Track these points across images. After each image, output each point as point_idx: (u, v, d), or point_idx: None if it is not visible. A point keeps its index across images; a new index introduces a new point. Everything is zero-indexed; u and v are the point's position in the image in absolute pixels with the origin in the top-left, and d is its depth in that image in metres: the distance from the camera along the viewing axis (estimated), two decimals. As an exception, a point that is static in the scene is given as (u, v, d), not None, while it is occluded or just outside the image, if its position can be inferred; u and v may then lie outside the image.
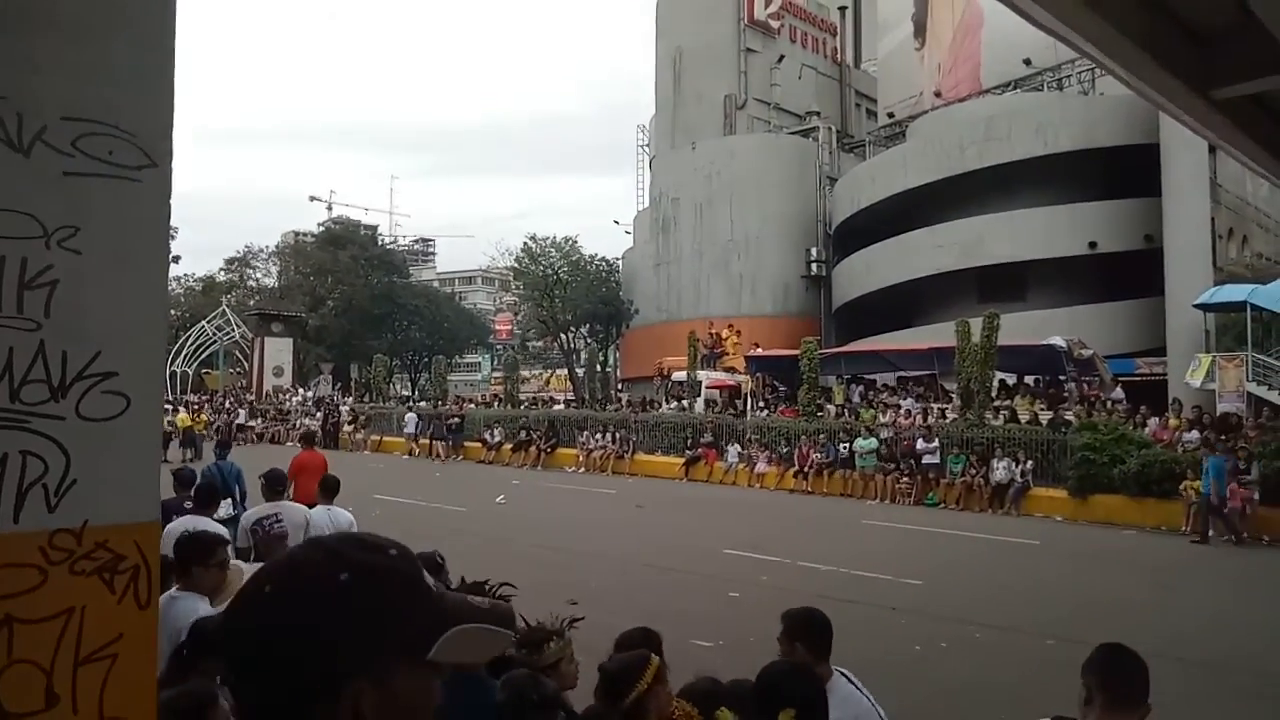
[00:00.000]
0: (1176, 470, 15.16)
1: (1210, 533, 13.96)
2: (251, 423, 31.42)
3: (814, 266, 40.17)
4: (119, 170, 1.78)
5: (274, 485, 6.57)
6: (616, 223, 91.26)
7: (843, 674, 3.16)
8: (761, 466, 20.25)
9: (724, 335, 31.86)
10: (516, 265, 45.07)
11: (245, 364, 43.19)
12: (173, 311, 48.28)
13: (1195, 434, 16.32)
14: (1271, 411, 19.97)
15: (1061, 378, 20.98)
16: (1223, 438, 15.73)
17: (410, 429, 27.34)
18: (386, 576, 0.90)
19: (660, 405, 26.34)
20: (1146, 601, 9.85)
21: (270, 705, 0.86)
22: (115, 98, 1.74)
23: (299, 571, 0.89)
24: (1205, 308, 24.57)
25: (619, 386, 40.85)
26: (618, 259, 47.49)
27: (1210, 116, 10.04)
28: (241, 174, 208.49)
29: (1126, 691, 2.14)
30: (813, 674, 2.77)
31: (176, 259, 49.81)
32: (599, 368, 37.82)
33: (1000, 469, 16.92)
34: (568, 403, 32.69)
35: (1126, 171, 29.12)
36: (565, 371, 47.36)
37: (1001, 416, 18.81)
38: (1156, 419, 17.74)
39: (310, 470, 8.44)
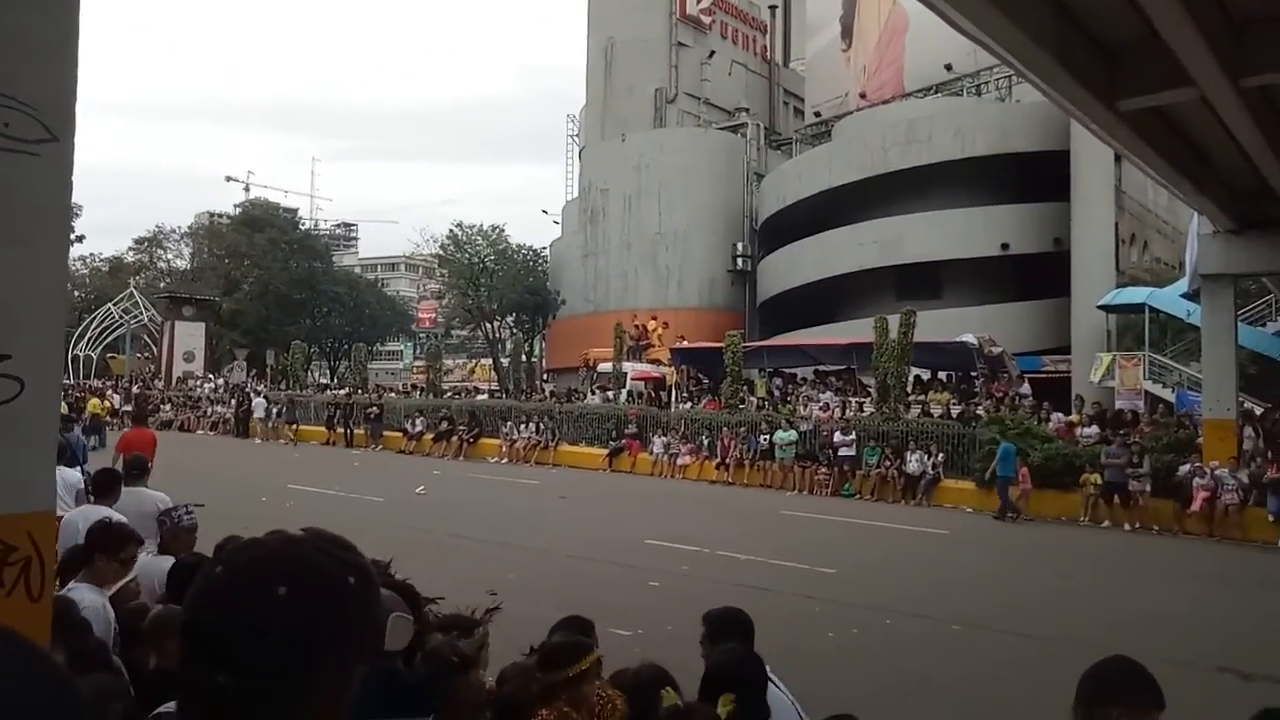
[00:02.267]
0: (1077, 464, 15.86)
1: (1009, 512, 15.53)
2: (259, 414, 29.80)
3: (740, 261, 40.65)
4: (16, 144, 1.70)
5: (131, 470, 6.23)
6: (545, 212, 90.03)
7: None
8: (684, 458, 20.44)
9: (650, 327, 32.01)
10: (441, 252, 44.34)
11: (154, 349, 41.49)
12: (76, 293, 46.06)
13: (1095, 429, 17.11)
14: (1165, 408, 21.06)
15: (973, 374, 21.72)
16: (1120, 432, 16.56)
17: (260, 414, 28.04)
18: (371, 576, 0.96)
19: (585, 396, 26.32)
20: (1045, 587, 10.32)
21: (256, 694, 0.86)
22: (13, 68, 1.66)
23: (318, 575, 0.90)
24: (1107, 309, 25.78)
25: (544, 377, 40.65)
26: (545, 249, 47.18)
27: (1116, 127, 10.56)
28: (153, 150, 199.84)
29: (1156, 696, 2.11)
30: (757, 662, 2.86)
31: (81, 238, 47.50)
32: (524, 358, 37.56)
33: (913, 461, 17.44)
34: (491, 393, 32.36)
35: (1038, 177, 30.29)
36: (490, 361, 46.88)
37: (915, 410, 19.38)
38: (1060, 415, 18.52)
39: (137, 448, 7.89)
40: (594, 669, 2.75)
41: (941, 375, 22.93)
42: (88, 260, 51.59)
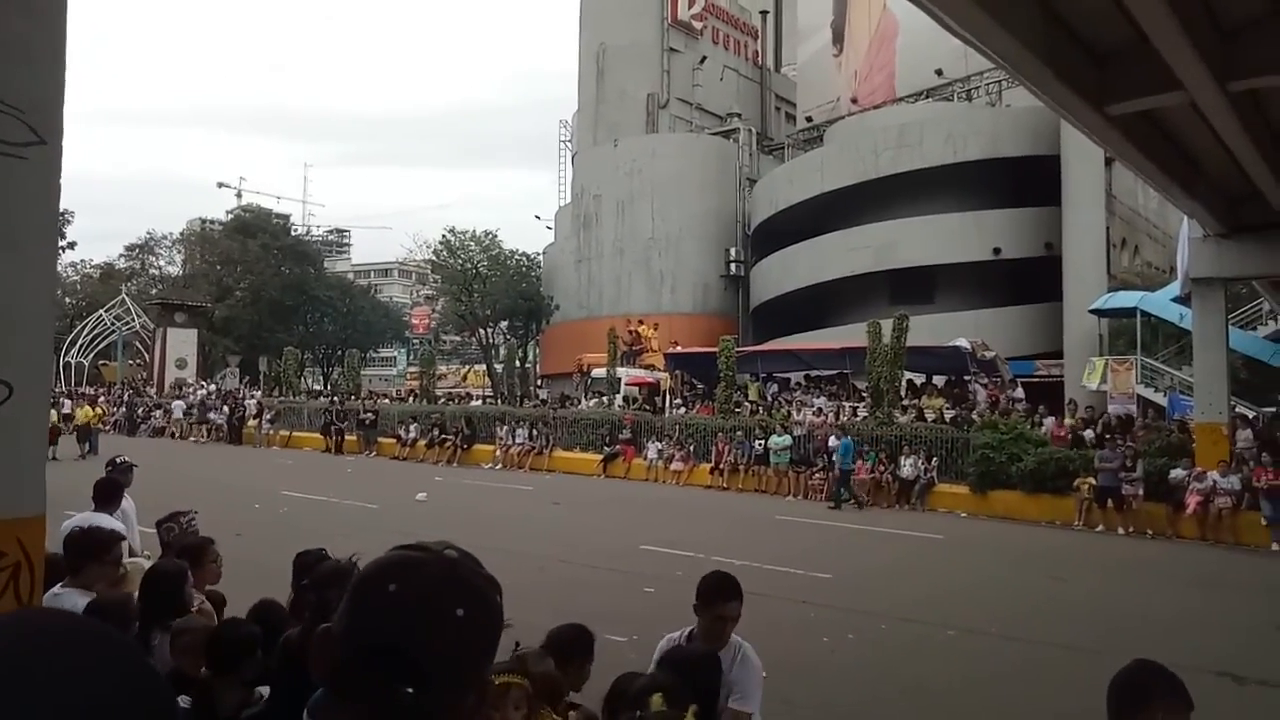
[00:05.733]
0: (1070, 468, 15.89)
1: (844, 500, 16.90)
2: (179, 415, 30.04)
3: (733, 266, 40.71)
4: (3, 147, 1.68)
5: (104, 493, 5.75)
6: (538, 218, 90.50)
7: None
8: (678, 464, 20.42)
9: (644, 333, 32.01)
10: (435, 258, 44.33)
11: (146, 355, 41.35)
12: (67, 299, 45.89)
13: (1089, 433, 17.14)
14: (1156, 412, 21.12)
15: (966, 378, 21.76)
16: (1109, 436, 16.61)
17: (178, 414, 29.92)
18: (500, 588, 1.06)
19: (579, 402, 26.27)
20: (1039, 592, 10.33)
21: (432, 702, 0.93)
22: (3, 71, 1.64)
23: (483, 597, 0.99)
24: (1099, 313, 25.87)
25: (538, 383, 40.62)
26: (539, 254, 47.20)
27: (1106, 130, 10.61)
28: (145, 157, 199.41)
29: (1187, 697, 2.11)
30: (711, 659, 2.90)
31: (72, 244, 47.33)
32: (518, 364, 37.51)
33: (907, 466, 17.45)
34: (485, 399, 32.32)
35: (1029, 181, 30.40)
36: (484, 367, 46.82)
37: (909, 415, 19.40)
38: (1053, 419, 18.56)
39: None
40: (510, 694, 2.47)
41: (935, 379, 22.97)
42: (79, 266, 51.53)
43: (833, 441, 18.33)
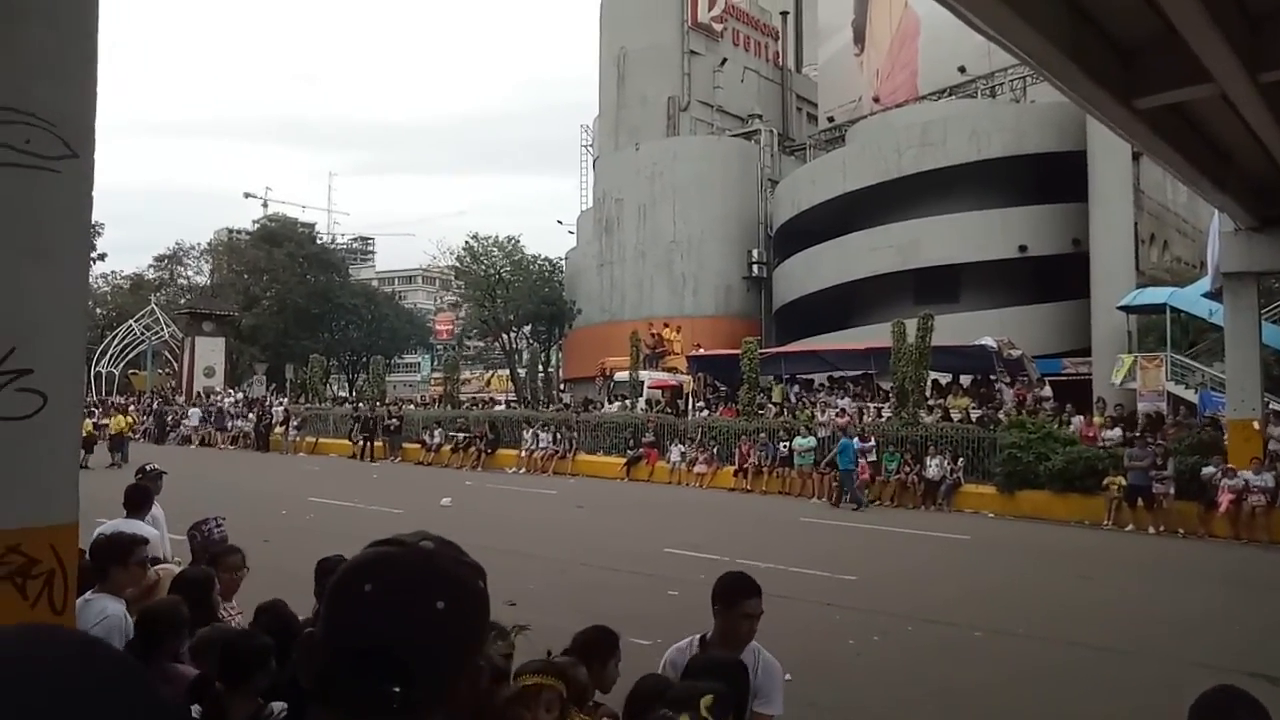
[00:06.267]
0: (1099, 467, 15.68)
1: (846, 500, 17.06)
2: (195, 423, 30.51)
3: (755, 268, 40.59)
4: (36, 160, 1.71)
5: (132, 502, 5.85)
6: (560, 223, 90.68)
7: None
8: (701, 466, 20.37)
9: (666, 335, 31.99)
10: (458, 264, 44.54)
11: (175, 364, 41.90)
12: (98, 310, 46.59)
13: (1118, 432, 16.91)
14: (1187, 410, 20.80)
15: (992, 377, 21.56)
16: (1140, 434, 16.37)
17: (194, 422, 30.40)
18: (484, 573, 1.09)
19: (602, 405, 26.29)
20: (1068, 592, 10.20)
21: (421, 696, 0.93)
22: (33, 84, 1.67)
23: (464, 585, 0.99)
24: (1128, 310, 25.51)
25: (561, 387, 40.72)
26: (561, 259, 47.31)
27: (1132, 124, 10.48)
28: (173, 169, 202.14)
29: None
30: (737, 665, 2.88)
31: (102, 256, 48.15)
32: (541, 368, 37.64)
33: (933, 466, 17.30)
34: (509, 403, 32.43)
35: (1055, 177, 30.08)
36: (507, 372, 46.98)
37: (935, 415, 19.24)
38: (1081, 417, 18.32)
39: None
40: (542, 697, 2.55)
41: (961, 379, 22.78)
42: (109, 278, 52.28)
43: (857, 443, 18.23)
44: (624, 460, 21.77)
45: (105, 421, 26.18)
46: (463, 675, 0.98)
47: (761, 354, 23.41)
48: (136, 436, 28.46)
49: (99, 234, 44.85)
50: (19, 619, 1.51)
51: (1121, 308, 25.50)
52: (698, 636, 3.49)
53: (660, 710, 2.46)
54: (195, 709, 2.79)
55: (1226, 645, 7.85)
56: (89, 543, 4.27)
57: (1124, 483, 15.01)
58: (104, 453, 22.54)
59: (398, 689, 0.91)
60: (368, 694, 0.92)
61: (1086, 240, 28.96)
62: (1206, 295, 20.81)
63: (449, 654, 0.96)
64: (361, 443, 26.18)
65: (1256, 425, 15.27)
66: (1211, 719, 2.09)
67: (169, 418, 31.86)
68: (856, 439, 18.18)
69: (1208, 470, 14.59)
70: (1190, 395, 22.19)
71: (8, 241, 1.60)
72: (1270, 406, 17.36)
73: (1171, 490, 14.74)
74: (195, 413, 31.07)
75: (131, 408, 32.96)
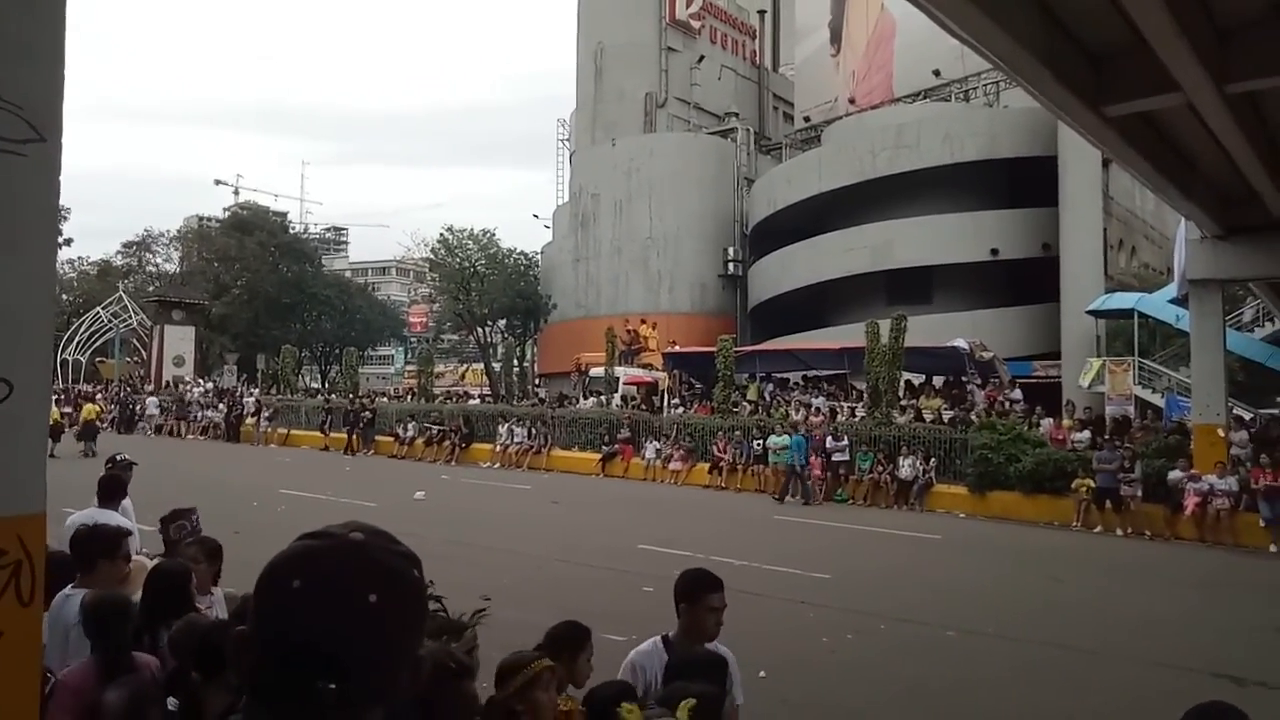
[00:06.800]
0: (1068, 469, 15.90)
1: (788, 495, 17.64)
2: (154, 412, 30.17)
3: (731, 266, 40.72)
4: (2, 144, 1.67)
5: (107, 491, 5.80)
6: (536, 217, 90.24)
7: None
8: (676, 463, 20.41)
9: (642, 332, 31.99)
10: (432, 257, 44.26)
11: (143, 353, 41.29)
12: (64, 296, 45.79)
13: (1086, 434, 17.16)
14: (1154, 414, 21.14)
15: (964, 379, 21.78)
16: (1108, 437, 16.62)
17: (152, 410, 30.44)
18: (419, 561, 1.07)
19: (577, 401, 26.26)
20: (1038, 592, 10.34)
21: (356, 692, 0.92)
22: None
23: (398, 576, 0.97)
24: (1097, 314, 25.91)
25: (536, 382, 40.61)
26: (536, 253, 47.17)
27: (1103, 131, 10.61)
28: (142, 154, 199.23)
29: None
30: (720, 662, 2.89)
31: (68, 241, 47.25)
32: (516, 363, 37.50)
33: (906, 466, 17.45)
34: (483, 397, 32.30)
35: (1026, 182, 30.44)
36: (481, 366, 46.80)
37: (907, 415, 19.41)
38: (1050, 420, 18.57)
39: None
40: (543, 677, 2.72)
41: (934, 380, 22.98)
42: (76, 264, 51.41)
43: (830, 442, 18.36)
44: (599, 456, 21.76)
45: (71, 410, 25.79)
46: (403, 668, 0.96)
47: (737, 352, 23.48)
48: (104, 425, 28.03)
49: (65, 218, 44.05)
50: (-17, 611, 1.48)
51: (1090, 312, 25.89)
52: (659, 638, 3.47)
53: (652, 705, 2.47)
54: (172, 702, 2.75)
55: (1192, 646, 8.01)
56: (61, 533, 4.20)
57: (1093, 485, 15.25)
58: (71, 442, 22.18)
59: (332, 685, 0.89)
60: (302, 690, 0.90)
61: (1057, 244, 29.34)
62: (1173, 301, 21.18)
63: (385, 647, 0.94)
64: (347, 435, 25.88)
65: (1221, 430, 15.54)
66: None
67: (136, 407, 31.42)
68: (829, 438, 18.33)
69: (1174, 474, 14.84)
70: (1157, 399, 22.57)
71: (-26, 226, 1.56)
72: (1234, 412, 17.71)
73: (1139, 493, 14.99)
74: (153, 402, 30.81)
75: (99, 396, 32.46)
